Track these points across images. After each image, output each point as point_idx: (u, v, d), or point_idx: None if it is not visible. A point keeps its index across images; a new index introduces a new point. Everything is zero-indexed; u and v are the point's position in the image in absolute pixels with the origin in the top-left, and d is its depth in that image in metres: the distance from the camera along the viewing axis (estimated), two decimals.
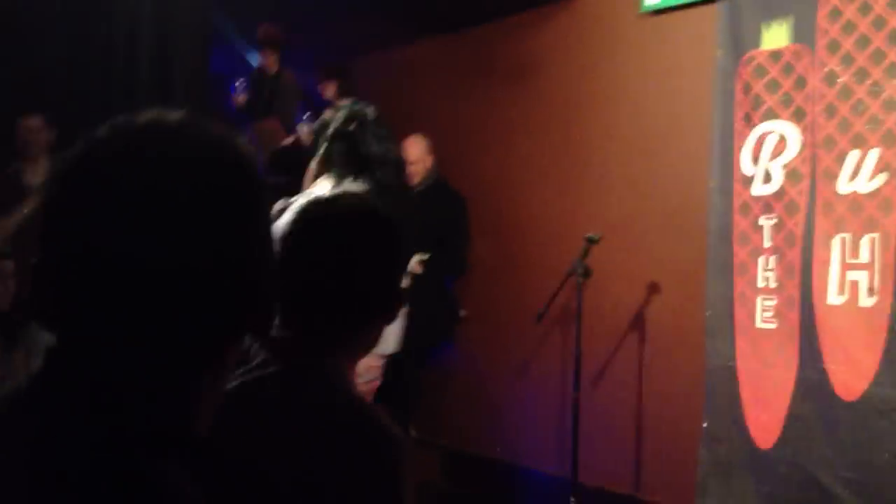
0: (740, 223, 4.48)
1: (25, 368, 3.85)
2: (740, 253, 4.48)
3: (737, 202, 4.50)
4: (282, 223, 1.62)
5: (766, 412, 4.33)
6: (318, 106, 6.41)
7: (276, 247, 1.52)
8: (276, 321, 1.53)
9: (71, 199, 0.88)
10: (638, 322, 4.99)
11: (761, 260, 4.40)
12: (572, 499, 4.67)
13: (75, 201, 0.87)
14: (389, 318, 1.65)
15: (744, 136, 4.49)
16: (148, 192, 0.85)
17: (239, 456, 1.44)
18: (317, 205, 1.65)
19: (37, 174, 5.04)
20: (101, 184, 0.87)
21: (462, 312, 5.85)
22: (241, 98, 6.43)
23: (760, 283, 4.39)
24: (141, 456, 0.84)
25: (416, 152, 5.72)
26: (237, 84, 6.42)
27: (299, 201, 1.66)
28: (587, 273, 4.75)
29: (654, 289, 4.93)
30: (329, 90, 6.40)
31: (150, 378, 0.87)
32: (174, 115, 0.92)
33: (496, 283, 5.85)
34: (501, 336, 5.80)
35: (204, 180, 0.88)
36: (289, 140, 6.39)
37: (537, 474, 5.45)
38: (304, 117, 6.22)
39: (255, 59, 7.13)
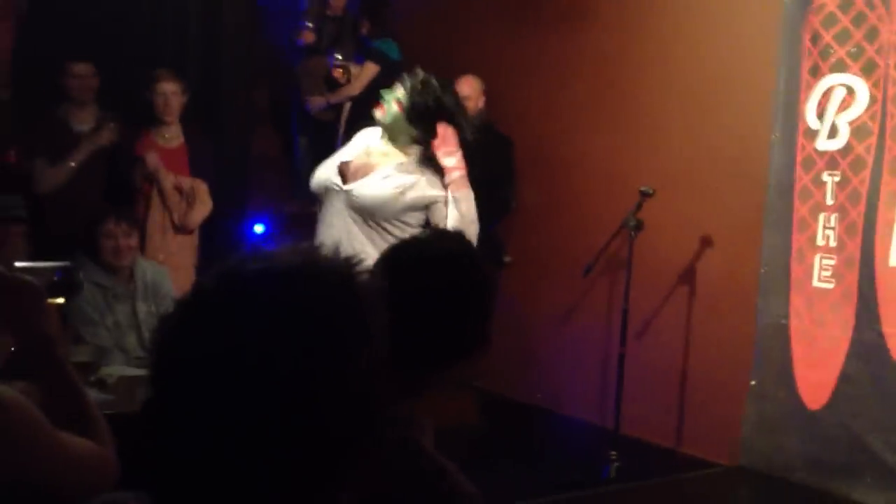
0: (802, 178, 4.36)
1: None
2: (801, 208, 4.36)
3: (800, 156, 4.37)
4: None
5: (817, 372, 4.25)
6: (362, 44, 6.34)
7: None
8: None
9: (183, 347, 0.89)
10: (689, 276, 4.90)
11: (822, 217, 4.28)
12: (613, 452, 4.64)
13: (187, 350, 0.88)
14: (470, 363, 1.62)
15: (810, 88, 4.34)
16: (261, 343, 0.86)
17: None
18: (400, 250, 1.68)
19: (85, 121, 5.01)
20: (213, 335, 0.87)
21: (507, 258, 5.79)
22: (308, 36, 6.28)
23: (820, 241, 4.29)
24: None
25: (470, 89, 5.69)
26: (307, 24, 6.27)
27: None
28: (639, 226, 4.67)
29: (707, 243, 4.83)
30: (363, 28, 6.29)
31: None
32: (285, 258, 0.92)
33: (543, 229, 5.76)
34: (546, 283, 5.73)
35: (318, 328, 0.88)
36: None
37: (577, 422, 5.43)
38: (338, 57, 6.17)
39: None
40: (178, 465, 0.89)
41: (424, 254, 1.65)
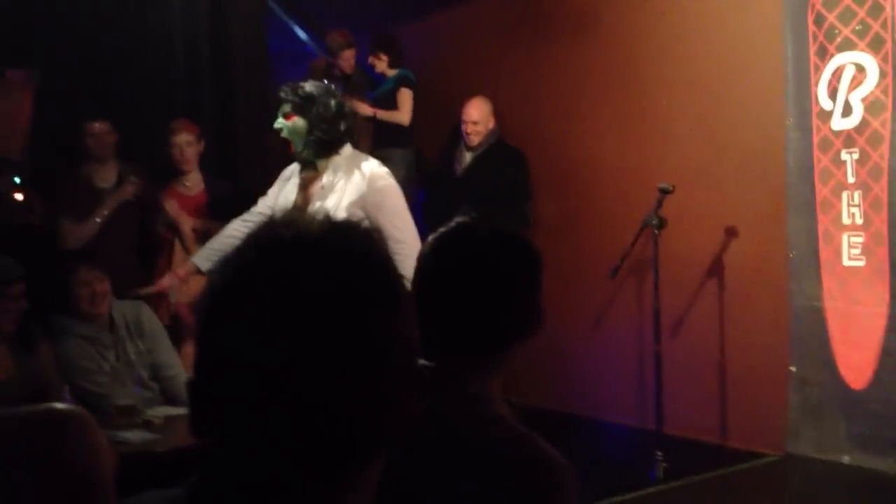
0: (821, 159, 4.36)
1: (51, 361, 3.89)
2: (822, 190, 4.35)
3: (816, 137, 4.37)
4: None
5: (857, 351, 4.22)
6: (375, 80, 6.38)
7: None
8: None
9: (229, 320, 0.89)
10: (717, 268, 4.89)
11: (845, 195, 4.28)
12: (658, 452, 4.61)
13: (234, 322, 0.88)
14: (530, 336, 1.64)
15: (819, 70, 4.35)
16: (302, 308, 0.87)
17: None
18: (454, 233, 1.66)
19: (106, 177, 5.08)
20: (256, 305, 0.88)
21: None
22: None
23: (846, 220, 4.27)
24: None
25: (478, 113, 5.73)
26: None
27: None
28: (662, 224, 4.66)
29: (732, 233, 4.83)
30: (380, 63, 6.32)
31: (314, 479, 0.89)
32: (314, 227, 0.93)
33: (565, 239, 5.76)
34: (573, 292, 5.72)
35: (351, 292, 0.89)
36: None
37: (618, 427, 5.40)
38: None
39: (305, 36, 7.14)
40: (228, 447, 0.89)
41: (476, 237, 1.64)
